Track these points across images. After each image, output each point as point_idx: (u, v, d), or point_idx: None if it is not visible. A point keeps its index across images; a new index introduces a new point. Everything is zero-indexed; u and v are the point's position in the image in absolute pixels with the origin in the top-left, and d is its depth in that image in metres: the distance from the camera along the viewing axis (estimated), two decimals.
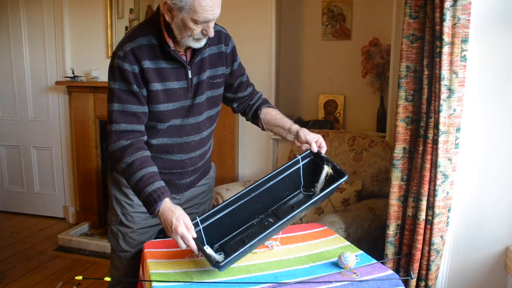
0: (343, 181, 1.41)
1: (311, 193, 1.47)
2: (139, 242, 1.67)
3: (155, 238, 1.71)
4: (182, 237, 1.28)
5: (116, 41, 3.60)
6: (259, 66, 3.18)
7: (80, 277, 1.36)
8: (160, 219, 1.35)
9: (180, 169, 1.63)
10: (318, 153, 1.47)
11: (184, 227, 1.28)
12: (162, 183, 1.39)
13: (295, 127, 1.59)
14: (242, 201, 1.42)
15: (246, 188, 1.43)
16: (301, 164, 1.46)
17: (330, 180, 1.45)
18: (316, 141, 1.53)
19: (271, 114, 1.68)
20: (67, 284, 2.83)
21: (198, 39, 1.42)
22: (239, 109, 1.77)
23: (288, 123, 1.62)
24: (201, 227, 1.33)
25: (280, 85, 3.49)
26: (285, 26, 3.47)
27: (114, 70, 1.44)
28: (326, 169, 1.44)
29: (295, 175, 1.49)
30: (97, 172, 3.72)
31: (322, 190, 1.43)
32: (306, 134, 1.54)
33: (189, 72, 1.51)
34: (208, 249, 1.28)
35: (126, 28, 3.57)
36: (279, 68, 3.44)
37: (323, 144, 1.53)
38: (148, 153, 1.46)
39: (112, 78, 1.45)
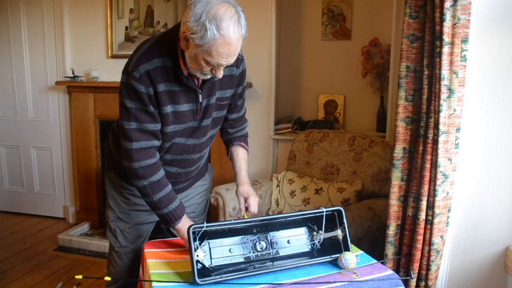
0: (340, 256, 1.40)
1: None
2: (136, 237, 1.75)
3: (155, 238, 1.72)
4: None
5: (116, 41, 3.60)
6: (259, 66, 3.18)
7: (80, 277, 1.37)
8: (178, 232, 1.55)
9: (173, 179, 1.67)
10: (342, 216, 1.48)
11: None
12: (179, 201, 1.55)
13: (241, 180, 1.70)
14: (251, 223, 1.43)
15: (267, 216, 1.48)
16: (324, 213, 1.46)
17: (333, 243, 1.45)
18: (247, 198, 1.65)
19: (238, 154, 1.76)
20: (67, 284, 2.83)
21: (205, 74, 1.44)
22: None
23: (239, 172, 1.72)
24: (205, 227, 1.33)
25: (280, 85, 3.49)
26: (285, 26, 3.47)
27: (130, 90, 1.43)
28: (338, 232, 1.45)
29: (310, 218, 1.50)
30: (97, 172, 3.72)
31: (318, 254, 1.45)
32: (245, 191, 1.68)
33: (200, 96, 1.52)
34: (199, 251, 1.30)
35: (126, 28, 3.57)
36: (279, 68, 3.44)
37: (252, 205, 1.65)
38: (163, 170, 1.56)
39: (128, 97, 1.44)
